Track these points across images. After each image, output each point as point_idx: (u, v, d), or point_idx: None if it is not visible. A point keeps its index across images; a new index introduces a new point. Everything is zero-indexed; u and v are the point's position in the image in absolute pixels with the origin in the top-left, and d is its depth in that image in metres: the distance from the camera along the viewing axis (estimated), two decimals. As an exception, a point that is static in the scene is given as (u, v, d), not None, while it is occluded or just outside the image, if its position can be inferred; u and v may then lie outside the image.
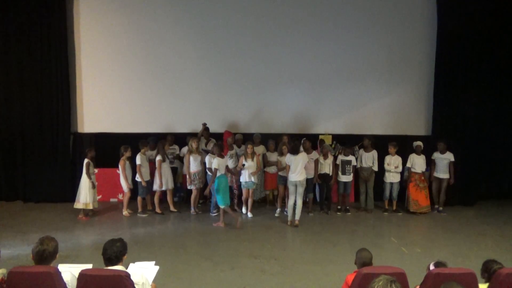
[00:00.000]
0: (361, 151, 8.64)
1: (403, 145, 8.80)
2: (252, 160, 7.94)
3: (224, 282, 5.22)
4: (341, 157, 8.40)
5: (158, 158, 8.01)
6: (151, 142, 8.49)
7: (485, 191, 9.51)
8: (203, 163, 8.10)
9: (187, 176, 8.12)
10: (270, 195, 9.04)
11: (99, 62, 9.19)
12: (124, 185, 8.03)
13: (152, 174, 8.22)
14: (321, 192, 8.49)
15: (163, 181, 8.06)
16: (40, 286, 3.05)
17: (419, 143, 8.57)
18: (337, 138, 9.30)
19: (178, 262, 5.84)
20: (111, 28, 9.13)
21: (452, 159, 8.44)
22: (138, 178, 7.98)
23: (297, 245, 6.60)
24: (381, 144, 8.68)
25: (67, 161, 9.07)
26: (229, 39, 9.27)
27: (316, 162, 8.17)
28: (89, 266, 3.56)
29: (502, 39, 9.14)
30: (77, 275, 3.19)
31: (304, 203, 8.12)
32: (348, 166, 8.30)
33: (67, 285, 3.21)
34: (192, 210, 8.23)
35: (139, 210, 8.11)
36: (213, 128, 8.92)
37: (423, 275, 3.45)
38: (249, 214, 8.10)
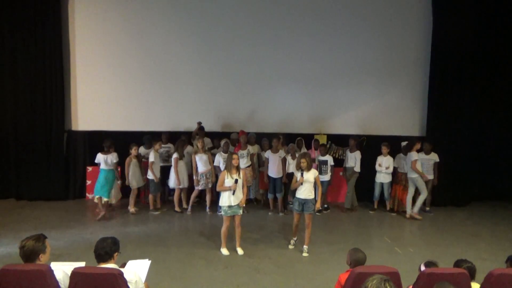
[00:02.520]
0: (347, 151, 8.67)
1: (397, 145, 8.84)
2: (239, 175, 6.05)
3: (217, 281, 5.21)
4: (317, 157, 8.41)
5: (175, 156, 8.07)
6: (146, 141, 8.50)
7: (478, 192, 9.57)
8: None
9: (194, 176, 8.06)
10: (264, 194, 9.04)
11: (94, 60, 9.14)
12: (130, 182, 8.03)
13: (146, 173, 8.21)
14: (286, 191, 8.34)
15: (180, 179, 8.08)
16: (32, 284, 3.02)
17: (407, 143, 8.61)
18: (332, 138, 9.32)
19: (172, 260, 5.83)
20: (105, 26, 9.09)
21: (437, 159, 8.47)
22: (150, 175, 8.02)
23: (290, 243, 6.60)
24: (376, 144, 8.71)
25: (61, 158, 9.02)
26: (224, 38, 9.26)
27: (284, 161, 8.15)
28: (82, 264, 3.54)
29: (497, 42, 9.21)
30: (69, 273, 3.17)
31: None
32: (324, 166, 8.30)
33: (60, 283, 3.18)
34: (189, 209, 8.27)
35: (151, 207, 8.17)
36: (208, 127, 8.90)
37: (416, 275, 3.46)
38: (239, 251, 6.24)
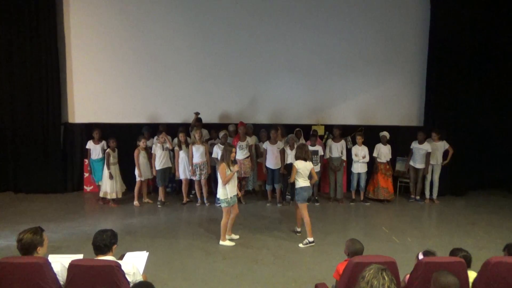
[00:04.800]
0: (330, 141, 8.62)
1: (395, 135, 8.84)
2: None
3: (216, 272, 5.23)
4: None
5: (176, 147, 8.08)
6: (145, 132, 8.48)
7: (476, 181, 9.59)
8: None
9: (190, 166, 8.04)
10: (262, 185, 9.05)
11: (90, 52, 9.08)
12: (136, 174, 8.04)
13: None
14: (284, 182, 8.33)
15: (180, 170, 8.09)
16: (30, 277, 3.02)
17: (385, 133, 8.61)
18: (330, 128, 9.30)
19: (170, 252, 5.85)
20: (101, 17, 9.01)
21: (430, 150, 8.48)
22: (157, 166, 8.08)
23: (288, 235, 6.63)
24: (374, 135, 8.72)
25: (58, 151, 9.00)
26: (221, 28, 9.19)
27: (282, 152, 8.14)
28: (80, 256, 3.53)
29: (495, 32, 9.16)
30: (67, 266, 3.17)
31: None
32: (315, 156, 8.20)
33: (57, 276, 3.18)
34: (199, 200, 8.28)
35: (162, 200, 8.21)
36: (205, 119, 8.87)
37: (414, 264, 3.47)
38: (235, 236, 6.45)
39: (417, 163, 8.57)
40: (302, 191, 6.22)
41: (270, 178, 8.27)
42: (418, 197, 8.77)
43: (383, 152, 8.51)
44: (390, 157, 8.59)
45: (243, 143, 8.22)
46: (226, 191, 6.05)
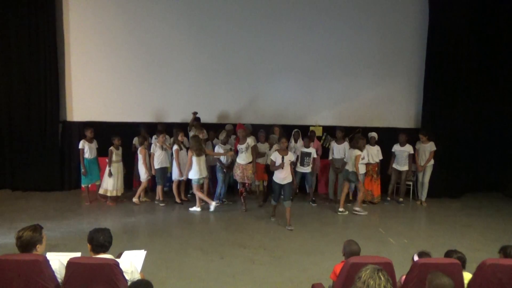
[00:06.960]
0: (333, 143, 8.62)
1: (392, 137, 8.87)
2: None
3: (213, 272, 5.24)
4: (301, 149, 8.28)
5: (175, 147, 8.03)
6: (142, 131, 8.48)
7: (471, 184, 9.64)
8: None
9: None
10: (260, 185, 9.08)
11: (89, 50, 9.08)
12: (143, 173, 8.06)
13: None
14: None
15: (182, 170, 8.05)
16: (28, 274, 3.03)
17: (373, 134, 8.64)
18: (327, 129, 9.33)
19: (168, 251, 5.85)
20: (101, 16, 9.01)
21: (412, 151, 8.50)
22: (156, 166, 8.10)
23: (286, 235, 6.65)
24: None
25: (56, 149, 8.99)
26: (221, 28, 9.21)
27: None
28: (78, 254, 3.54)
29: (493, 33, 9.21)
30: (65, 263, 3.18)
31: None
32: (307, 158, 8.16)
33: (56, 273, 3.19)
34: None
35: (160, 198, 8.21)
36: (203, 119, 8.88)
37: (410, 265, 3.50)
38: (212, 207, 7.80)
39: (401, 165, 8.59)
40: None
41: (278, 193, 7.14)
42: (401, 199, 8.75)
43: (371, 153, 8.52)
44: (381, 157, 8.60)
45: (242, 146, 7.98)
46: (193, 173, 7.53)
